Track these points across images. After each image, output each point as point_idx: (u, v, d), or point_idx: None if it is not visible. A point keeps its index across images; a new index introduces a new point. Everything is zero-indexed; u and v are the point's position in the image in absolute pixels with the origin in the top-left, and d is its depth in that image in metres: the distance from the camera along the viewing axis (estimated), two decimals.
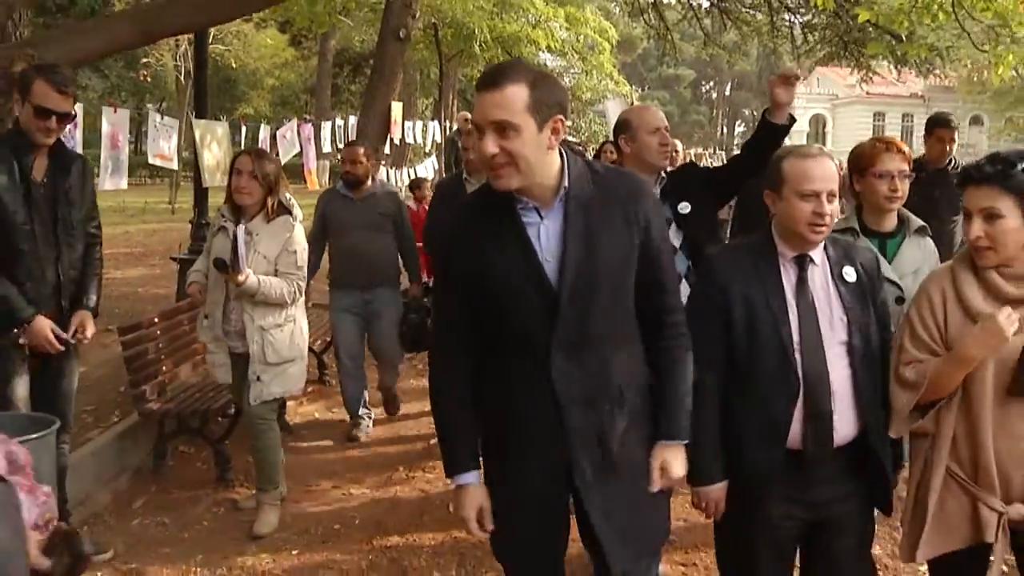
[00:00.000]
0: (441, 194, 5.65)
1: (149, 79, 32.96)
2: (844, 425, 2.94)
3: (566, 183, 2.61)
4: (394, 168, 14.95)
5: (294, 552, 4.82)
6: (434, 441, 4.96)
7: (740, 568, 3.16)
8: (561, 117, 2.56)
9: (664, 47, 16.58)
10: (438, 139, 18.33)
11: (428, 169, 16.73)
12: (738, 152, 4.64)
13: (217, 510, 5.38)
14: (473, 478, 2.75)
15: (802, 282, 2.98)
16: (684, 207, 4.10)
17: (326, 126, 11.55)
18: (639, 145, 4.17)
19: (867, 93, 40.01)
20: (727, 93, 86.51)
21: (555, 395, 2.60)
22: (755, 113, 75.26)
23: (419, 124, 17.49)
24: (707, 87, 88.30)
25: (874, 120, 59.49)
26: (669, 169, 4.38)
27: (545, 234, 2.62)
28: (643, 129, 4.16)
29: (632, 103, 31.27)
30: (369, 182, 6.51)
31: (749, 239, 3.19)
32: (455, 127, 17.47)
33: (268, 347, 4.89)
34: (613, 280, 2.65)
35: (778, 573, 3.11)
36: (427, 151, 20.04)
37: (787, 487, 2.97)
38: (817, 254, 3.02)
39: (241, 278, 4.69)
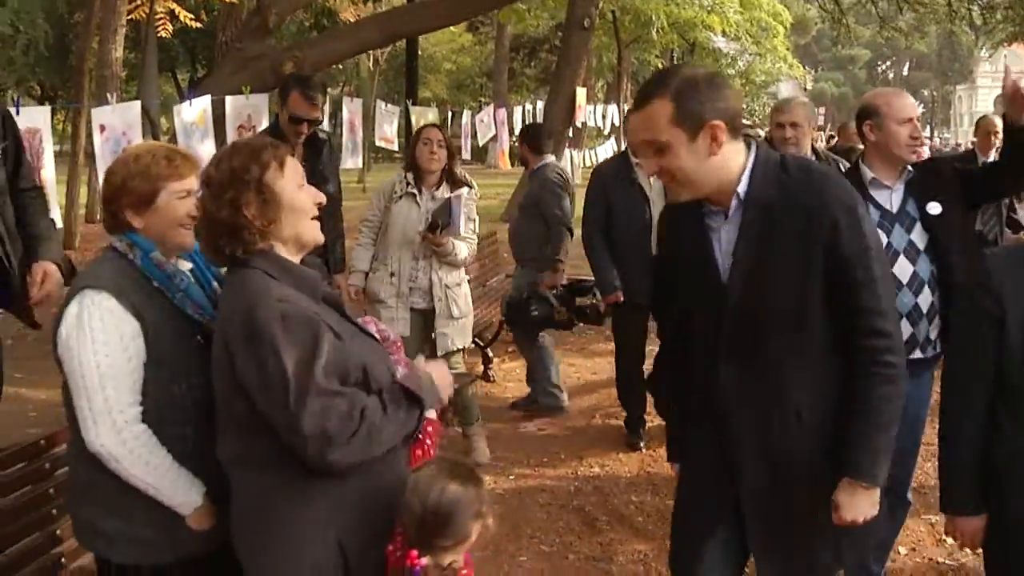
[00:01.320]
0: (601, 176, 6.20)
1: (341, 65, 34.80)
2: None
3: (744, 186, 2.50)
4: (575, 150, 15.79)
5: (510, 476, 5.69)
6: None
7: None
8: (717, 122, 2.41)
9: (839, 30, 16.75)
10: (616, 122, 19.07)
11: (608, 151, 17.50)
12: (994, 162, 4.61)
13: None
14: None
15: None
16: (934, 207, 3.72)
17: (517, 110, 12.47)
18: (885, 135, 3.79)
19: None
20: (904, 74, 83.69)
21: (722, 398, 2.61)
22: (934, 94, 72.70)
23: (599, 107, 18.26)
24: (883, 68, 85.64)
25: None
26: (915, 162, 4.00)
27: (725, 239, 2.57)
28: (892, 118, 3.79)
29: (805, 86, 31.15)
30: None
31: None
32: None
33: (452, 303, 5.49)
34: (788, 293, 2.50)
35: None
36: (606, 133, 20.82)
37: None
38: None
39: (444, 240, 5.30)
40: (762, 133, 5.83)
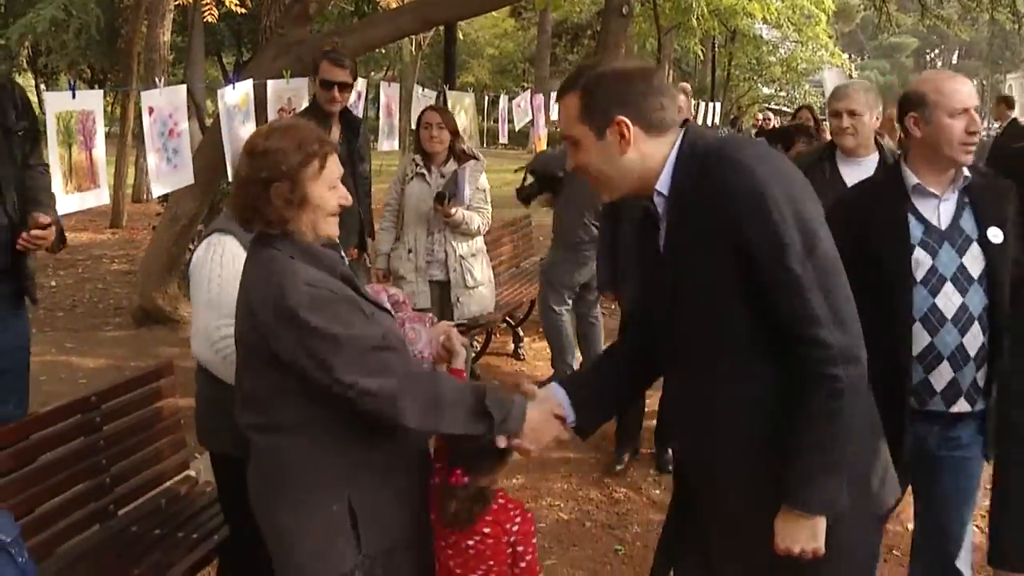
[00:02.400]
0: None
1: (383, 50, 35.11)
2: None
3: (665, 183, 2.30)
4: None
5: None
6: None
7: None
8: (623, 118, 2.24)
9: (880, 18, 16.69)
10: None
11: None
12: None
13: None
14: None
15: None
16: (995, 235, 3.02)
17: (554, 95, 12.65)
18: (935, 129, 3.04)
19: None
20: (954, 61, 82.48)
21: (668, 411, 2.75)
22: (984, 83, 71.58)
23: None
24: (931, 56, 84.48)
25: None
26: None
27: (663, 238, 2.37)
28: (943, 108, 3.03)
29: (850, 74, 30.91)
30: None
31: None
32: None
33: (467, 273, 5.80)
34: (706, 299, 2.26)
35: None
36: None
37: None
38: None
39: (453, 211, 5.57)
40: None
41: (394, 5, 15.35)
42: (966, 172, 3.07)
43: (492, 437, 2.47)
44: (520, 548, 2.67)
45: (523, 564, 2.68)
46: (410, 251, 5.81)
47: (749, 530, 2.34)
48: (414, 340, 2.88)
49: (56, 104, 4.45)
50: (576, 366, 6.90)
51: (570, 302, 6.87)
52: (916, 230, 3.04)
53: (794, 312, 2.15)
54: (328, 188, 2.52)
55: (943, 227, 3.04)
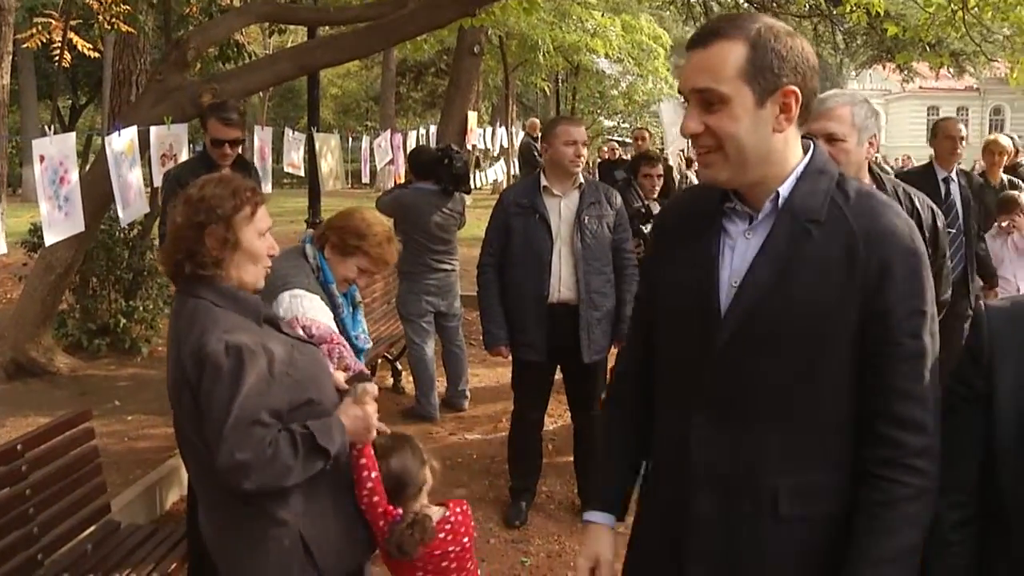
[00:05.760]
0: (504, 204, 5.26)
1: None
2: None
3: (787, 188, 1.93)
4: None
5: None
6: None
7: None
8: (795, 89, 1.87)
9: None
10: (504, 144, 19.71)
11: (498, 172, 18.06)
12: None
13: None
14: (603, 519, 2.24)
15: None
16: None
17: (412, 135, 12.92)
18: None
19: (920, 87, 40.02)
20: None
21: (689, 466, 1.99)
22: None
23: (488, 130, 18.84)
24: None
25: (928, 114, 58.56)
26: None
27: (740, 254, 1.96)
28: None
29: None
30: None
31: None
32: (522, 132, 18.88)
33: None
34: (801, 340, 1.88)
35: None
36: (494, 155, 21.40)
37: None
38: None
39: None
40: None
41: (253, 48, 15.38)
42: None
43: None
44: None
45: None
46: None
47: None
48: (344, 356, 3.15)
49: None
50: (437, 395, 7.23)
51: (430, 329, 7.15)
52: None
53: (905, 387, 1.86)
54: (258, 235, 2.70)
55: None
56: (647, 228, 6.07)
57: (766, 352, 1.91)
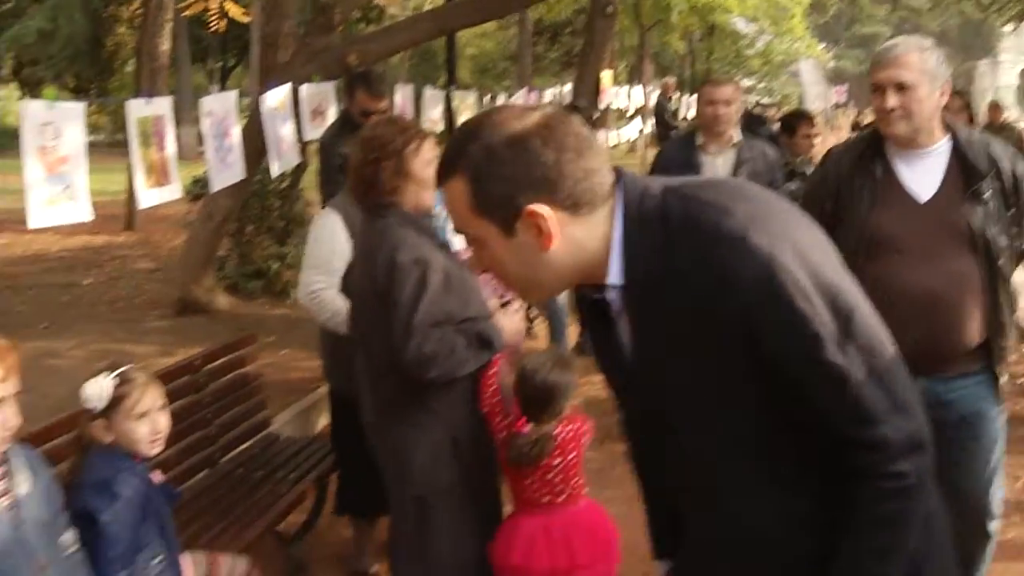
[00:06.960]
0: (663, 160, 5.63)
1: None
2: None
3: (616, 269, 1.65)
4: (603, 130, 16.62)
5: None
6: None
7: None
8: (537, 207, 1.57)
9: (852, 11, 17.31)
10: (639, 102, 19.89)
11: (634, 131, 18.23)
12: None
13: None
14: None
15: None
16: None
17: (548, 93, 13.29)
18: None
19: None
20: None
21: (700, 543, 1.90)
22: (956, 69, 72.20)
23: (624, 89, 19.04)
24: None
25: None
26: None
27: (625, 336, 1.75)
28: None
29: (826, 64, 31.66)
30: None
31: None
32: (657, 91, 19.05)
33: None
34: (701, 412, 1.69)
35: None
36: (629, 116, 21.59)
37: None
38: None
39: None
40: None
41: (393, 11, 15.97)
42: None
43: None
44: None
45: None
46: None
47: None
48: (498, 288, 3.49)
49: (136, 111, 5.02)
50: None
51: None
52: None
53: (844, 414, 1.60)
54: (426, 164, 3.16)
55: None
56: (793, 186, 6.11)
57: (670, 433, 1.78)
